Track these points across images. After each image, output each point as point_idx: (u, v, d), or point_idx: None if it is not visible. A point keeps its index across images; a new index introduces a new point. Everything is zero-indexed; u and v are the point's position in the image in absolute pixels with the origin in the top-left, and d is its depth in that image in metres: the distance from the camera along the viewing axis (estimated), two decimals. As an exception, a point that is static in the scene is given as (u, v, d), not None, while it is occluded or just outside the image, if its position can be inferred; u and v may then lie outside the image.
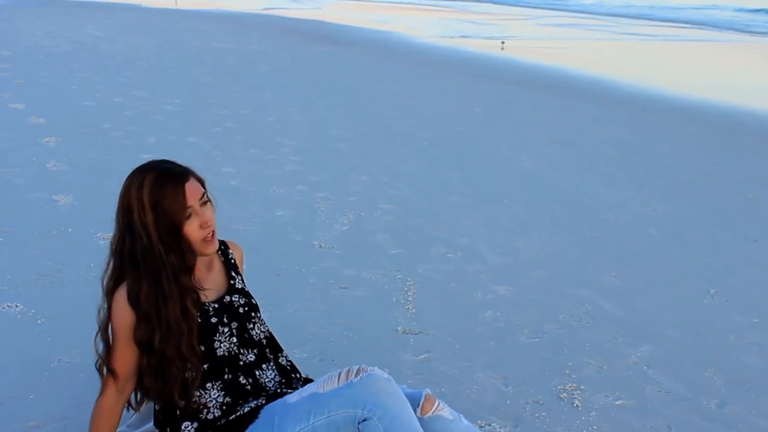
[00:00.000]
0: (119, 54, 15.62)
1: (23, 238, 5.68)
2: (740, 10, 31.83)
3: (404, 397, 2.81)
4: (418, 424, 2.77)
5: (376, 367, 2.83)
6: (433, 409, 2.93)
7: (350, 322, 4.66)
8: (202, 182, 2.94)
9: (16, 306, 4.59)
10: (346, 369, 2.83)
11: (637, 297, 5.26)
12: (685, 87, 14.65)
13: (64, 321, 4.42)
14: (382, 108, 11.37)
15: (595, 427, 3.69)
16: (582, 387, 4.04)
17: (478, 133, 10.12)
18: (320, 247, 5.84)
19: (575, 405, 3.87)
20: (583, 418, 3.77)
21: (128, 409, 3.17)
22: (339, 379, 2.81)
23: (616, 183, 8.00)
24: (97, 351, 2.92)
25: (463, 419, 2.99)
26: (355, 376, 2.79)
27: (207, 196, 2.92)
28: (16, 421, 3.50)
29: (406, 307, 4.90)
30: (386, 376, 2.81)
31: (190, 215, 2.84)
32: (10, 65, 13.55)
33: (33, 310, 4.55)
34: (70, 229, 5.86)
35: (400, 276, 5.37)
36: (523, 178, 8.00)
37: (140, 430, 3.39)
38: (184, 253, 2.84)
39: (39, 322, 4.43)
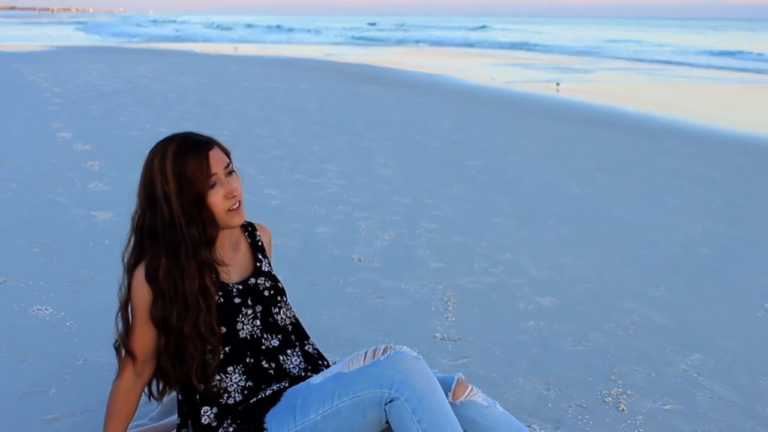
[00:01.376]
0: (170, 92, 15.73)
1: (59, 249, 5.65)
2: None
3: (434, 377, 2.65)
4: (448, 405, 2.61)
5: (404, 346, 2.68)
6: (466, 393, 2.76)
7: (386, 329, 4.51)
8: (227, 153, 2.83)
9: (46, 309, 4.54)
10: (372, 348, 2.68)
11: (688, 309, 5.03)
12: (734, 123, 14.45)
13: (92, 323, 4.34)
14: (429, 140, 11.25)
15: (641, 430, 3.48)
16: (628, 392, 3.84)
17: (526, 162, 9.95)
18: (359, 260, 5.70)
19: (621, 409, 3.67)
20: (629, 421, 3.56)
21: (150, 400, 3.04)
22: (365, 358, 2.66)
23: (667, 207, 7.76)
24: (117, 330, 2.80)
25: (498, 406, 2.81)
26: (382, 354, 2.64)
27: (233, 167, 2.81)
28: (36, 413, 3.42)
29: (446, 315, 4.73)
30: (415, 354, 2.66)
31: (214, 184, 2.73)
32: (61, 100, 13.73)
33: (62, 313, 4.49)
34: (106, 241, 5.80)
35: (440, 287, 5.21)
36: (571, 202, 7.80)
37: (162, 422, 3.27)
38: (205, 225, 2.72)
39: (68, 324, 4.36)
